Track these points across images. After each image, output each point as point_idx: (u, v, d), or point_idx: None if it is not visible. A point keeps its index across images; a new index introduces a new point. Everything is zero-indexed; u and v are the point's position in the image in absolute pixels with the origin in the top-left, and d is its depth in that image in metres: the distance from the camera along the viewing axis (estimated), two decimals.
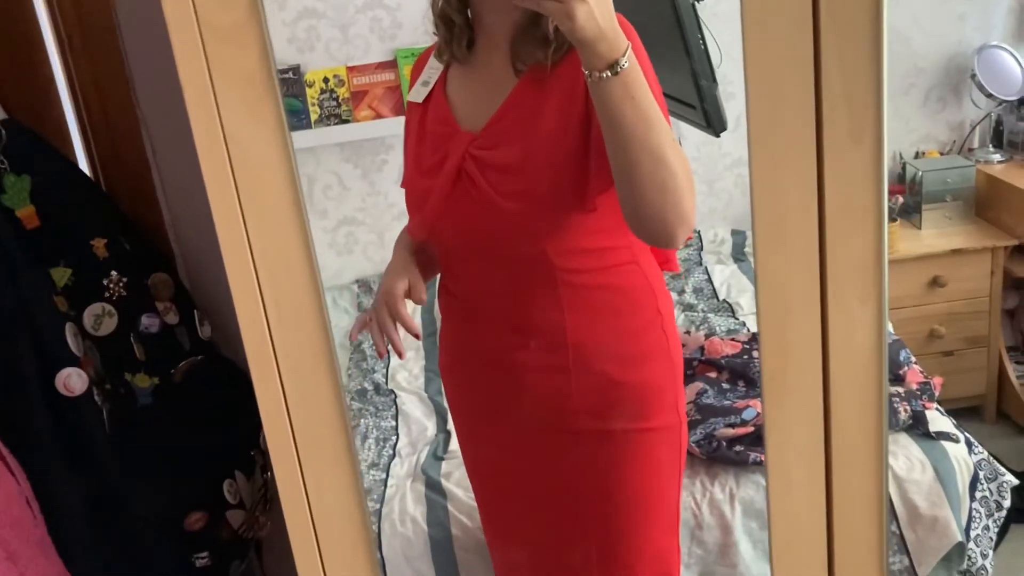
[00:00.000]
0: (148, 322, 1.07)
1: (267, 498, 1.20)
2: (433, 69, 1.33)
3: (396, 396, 2.35)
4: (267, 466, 1.18)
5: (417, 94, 1.34)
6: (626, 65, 1.03)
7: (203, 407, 1.13)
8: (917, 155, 3.12)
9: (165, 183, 1.15)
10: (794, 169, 0.65)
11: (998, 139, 3.11)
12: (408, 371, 2.49)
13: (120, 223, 1.11)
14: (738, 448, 1.85)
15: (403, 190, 1.38)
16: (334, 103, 2.77)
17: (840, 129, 0.62)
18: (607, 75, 1.03)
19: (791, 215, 0.65)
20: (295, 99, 2.71)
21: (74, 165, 1.14)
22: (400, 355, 1.31)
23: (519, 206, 1.20)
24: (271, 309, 0.75)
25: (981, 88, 2.95)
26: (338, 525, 0.80)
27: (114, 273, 1.05)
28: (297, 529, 0.80)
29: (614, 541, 1.40)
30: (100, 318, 1.03)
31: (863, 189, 0.63)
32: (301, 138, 2.81)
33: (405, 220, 1.48)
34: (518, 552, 1.55)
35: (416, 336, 1.30)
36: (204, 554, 1.09)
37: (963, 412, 2.90)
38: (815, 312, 0.66)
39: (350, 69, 2.72)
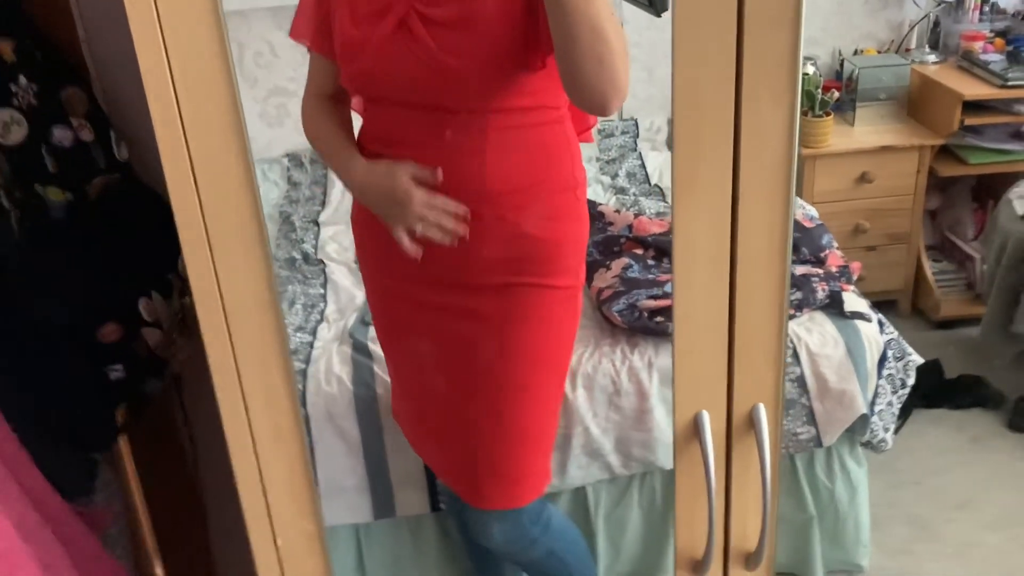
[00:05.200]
0: (61, 135, 1.03)
1: (185, 323, 1.19)
2: None
3: (325, 266, 2.34)
4: (185, 291, 1.17)
5: None
6: None
7: (119, 225, 1.10)
8: (856, 52, 3.14)
9: None
10: None
11: (935, 40, 3.15)
12: (338, 243, 2.47)
13: (29, 30, 1.05)
14: (659, 319, 1.89)
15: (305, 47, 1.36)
16: None
17: None
18: None
19: (709, 8, 0.65)
20: None
21: None
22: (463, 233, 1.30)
23: (462, 62, 1.21)
24: (190, 127, 0.73)
25: None
26: (259, 357, 0.80)
27: (23, 79, 1.00)
28: (218, 360, 0.79)
29: (505, 397, 1.45)
30: (8, 125, 0.98)
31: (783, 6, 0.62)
32: (231, 2, 2.70)
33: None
34: (418, 414, 1.59)
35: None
36: (118, 366, 1.08)
37: (881, 305, 3.01)
38: (728, 112, 0.66)
39: None
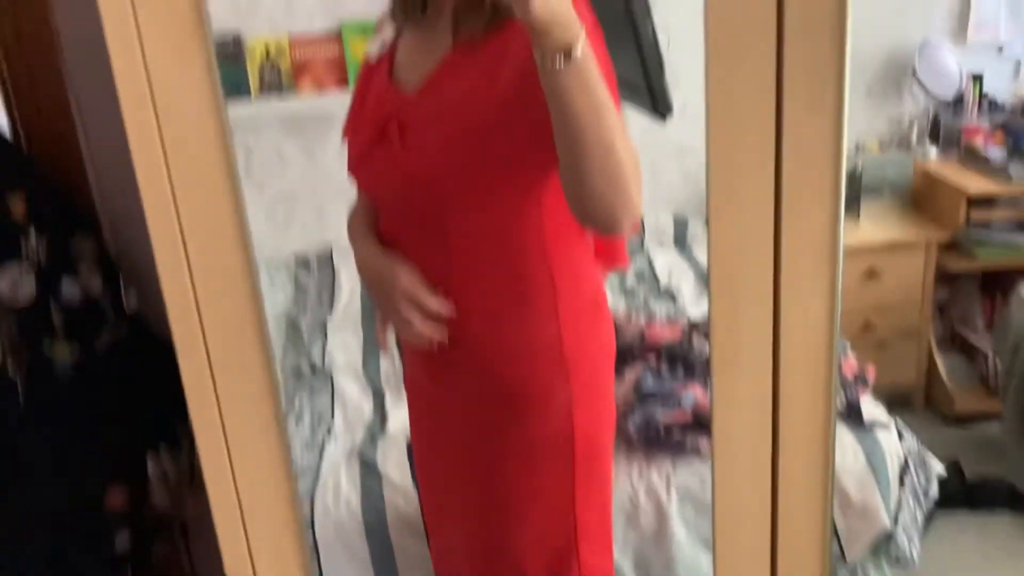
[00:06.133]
0: (70, 289, 1.01)
1: (194, 475, 1.15)
2: (389, 29, 1.31)
3: (332, 376, 2.31)
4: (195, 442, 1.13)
5: (372, 51, 1.32)
6: (580, 53, 0.98)
7: (127, 380, 1.06)
8: (857, 148, 3.16)
9: (91, 141, 1.08)
10: (751, 139, 0.63)
11: (935, 135, 3.17)
12: (346, 350, 2.45)
13: (39, 182, 1.04)
14: (676, 434, 1.85)
15: (344, 160, 1.36)
16: (275, 74, 2.69)
17: (799, 100, 0.60)
18: (560, 62, 0.98)
19: (746, 186, 0.63)
20: (235, 67, 2.63)
21: None
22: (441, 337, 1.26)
23: (423, 168, 1.18)
24: (198, 277, 0.70)
25: (921, 85, 2.99)
26: (265, 505, 0.76)
27: (33, 233, 0.98)
28: (222, 511, 0.76)
29: (500, 545, 1.38)
30: (17, 283, 0.96)
31: (821, 162, 0.61)
32: (240, 109, 2.73)
33: (345, 196, 1.45)
34: (438, 532, 1.54)
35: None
36: (124, 533, 1.02)
37: (893, 402, 2.96)
38: (767, 291, 0.64)
39: (293, 40, 2.65)
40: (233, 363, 0.79)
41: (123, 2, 0.63)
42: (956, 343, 3.16)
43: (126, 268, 1.11)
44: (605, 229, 1.15)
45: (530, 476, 1.33)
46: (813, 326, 0.65)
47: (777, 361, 0.66)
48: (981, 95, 3.13)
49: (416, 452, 1.57)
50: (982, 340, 3.05)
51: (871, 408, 2.01)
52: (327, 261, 2.86)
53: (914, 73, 3.00)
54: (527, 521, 1.37)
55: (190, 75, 0.65)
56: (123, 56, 0.64)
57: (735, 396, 0.69)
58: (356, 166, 1.29)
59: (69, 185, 1.08)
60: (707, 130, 0.69)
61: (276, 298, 2.76)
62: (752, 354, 0.68)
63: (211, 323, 0.78)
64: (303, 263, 2.87)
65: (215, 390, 0.79)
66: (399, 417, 2.03)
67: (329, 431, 2.06)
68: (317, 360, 2.38)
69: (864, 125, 3.18)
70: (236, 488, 0.79)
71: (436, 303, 1.24)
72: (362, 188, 1.33)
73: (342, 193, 1.45)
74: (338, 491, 1.85)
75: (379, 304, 1.32)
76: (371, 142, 1.24)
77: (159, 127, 0.66)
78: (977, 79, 3.11)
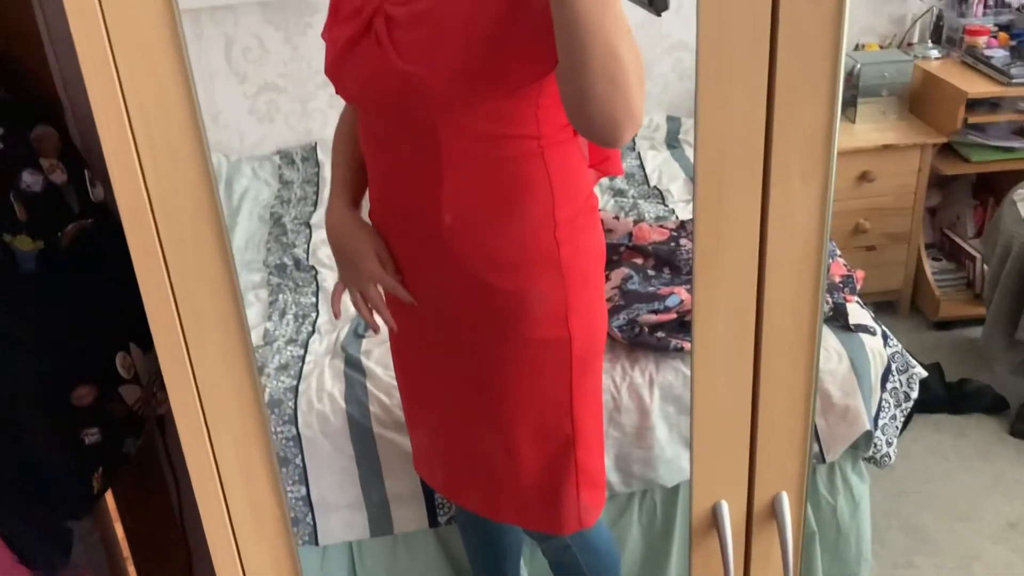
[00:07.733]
0: (30, 179, 0.96)
1: None
2: None
3: (317, 272, 2.28)
4: None
5: None
6: None
7: (94, 275, 1.03)
8: (857, 47, 3.08)
9: (51, 26, 1.02)
10: (746, 28, 0.59)
11: (938, 35, 3.09)
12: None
13: None
14: (660, 334, 1.85)
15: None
16: None
17: None
18: None
19: (738, 77, 0.59)
20: None
21: None
22: (392, 327, 1.38)
23: (420, 69, 1.11)
24: (146, 155, 0.67)
25: None
26: (225, 398, 0.75)
27: None
28: (184, 413, 0.74)
29: (495, 449, 1.39)
30: None
31: (819, 52, 0.57)
32: None
33: (329, 88, 1.38)
34: (425, 436, 1.55)
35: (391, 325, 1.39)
36: (94, 429, 1.02)
37: (879, 305, 2.98)
38: (756, 187, 0.61)
39: None
40: (189, 258, 0.76)
41: None
42: (945, 248, 3.16)
43: (92, 158, 1.06)
44: (607, 138, 1.06)
45: (527, 382, 1.33)
46: (803, 226, 0.63)
47: (763, 260, 0.63)
48: None
49: (395, 352, 1.56)
50: (971, 245, 3.04)
51: (857, 312, 2.01)
52: (312, 155, 2.80)
53: None
54: (525, 426, 1.37)
55: None
56: None
57: (717, 293, 0.67)
58: (336, 66, 1.21)
59: (29, 73, 1.02)
60: (698, 25, 0.65)
61: (261, 193, 2.72)
62: (737, 251, 0.66)
63: (165, 221, 0.75)
64: (287, 157, 2.81)
65: (172, 292, 0.76)
66: None
67: (313, 326, 2.06)
68: (302, 256, 2.36)
69: (864, 24, 3.09)
70: (196, 385, 0.77)
71: (405, 294, 1.29)
72: (342, 92, 1.25)
73: (325, 85, 1.39)
74: (321, 385, 1.85)
75: (344, 273, 1.36)
76: (354, 40, 1.16)
77: (106, 28, 0.62)
78: None
